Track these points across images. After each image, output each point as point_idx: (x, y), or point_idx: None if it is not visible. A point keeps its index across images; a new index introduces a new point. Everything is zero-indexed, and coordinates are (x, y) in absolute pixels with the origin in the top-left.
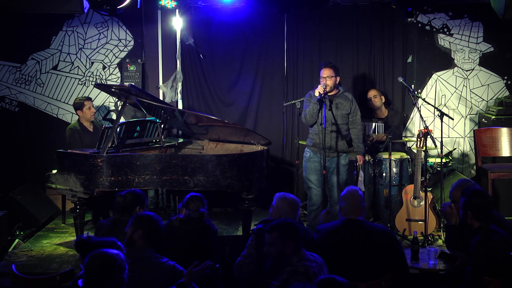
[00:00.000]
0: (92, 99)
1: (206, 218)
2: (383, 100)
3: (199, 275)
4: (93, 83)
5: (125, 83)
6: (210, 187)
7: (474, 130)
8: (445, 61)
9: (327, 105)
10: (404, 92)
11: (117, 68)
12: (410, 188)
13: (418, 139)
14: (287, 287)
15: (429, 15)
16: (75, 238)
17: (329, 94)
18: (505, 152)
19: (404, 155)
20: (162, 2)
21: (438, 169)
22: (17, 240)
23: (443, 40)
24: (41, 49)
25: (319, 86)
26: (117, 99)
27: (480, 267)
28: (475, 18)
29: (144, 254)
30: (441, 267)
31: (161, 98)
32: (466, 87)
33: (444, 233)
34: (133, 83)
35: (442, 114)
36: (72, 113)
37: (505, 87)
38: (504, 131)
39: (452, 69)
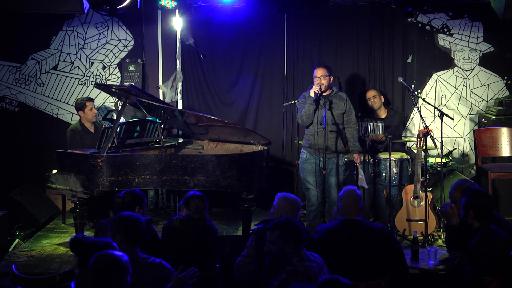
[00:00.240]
0: (94, 99)
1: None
2: (383, 100)
3: (183, 282)
4: (93, 83)
5: (125, 83)
6: (210, 187)
7: (474, 130)
8: (445, 61)
9: (327, 104)
10: (404, 92)
11: (117, 68)
12: (410, 188)
13: (418, 139)
14: (287, 287)
15: (429, 15)
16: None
17: (323, 94)
18: (505, 152)
19: (404, 155)
20: (162, 2)
21: (438, 169)
22: (17, 240)
23: (443, 40)
24: (41, 49)
25: (314, 86)
26: (117, 99)
27: (480, 267)
28: (475, 18)
29: (129, 255)
30: (441, 267)
31: (161, 98)
32: (466, 87)
33: (444, 233)
34: (133, 83)
35: (442, 114)
36: (72, 113)
37: (505, 87)
38: (504, 131)
39: (452, 69)
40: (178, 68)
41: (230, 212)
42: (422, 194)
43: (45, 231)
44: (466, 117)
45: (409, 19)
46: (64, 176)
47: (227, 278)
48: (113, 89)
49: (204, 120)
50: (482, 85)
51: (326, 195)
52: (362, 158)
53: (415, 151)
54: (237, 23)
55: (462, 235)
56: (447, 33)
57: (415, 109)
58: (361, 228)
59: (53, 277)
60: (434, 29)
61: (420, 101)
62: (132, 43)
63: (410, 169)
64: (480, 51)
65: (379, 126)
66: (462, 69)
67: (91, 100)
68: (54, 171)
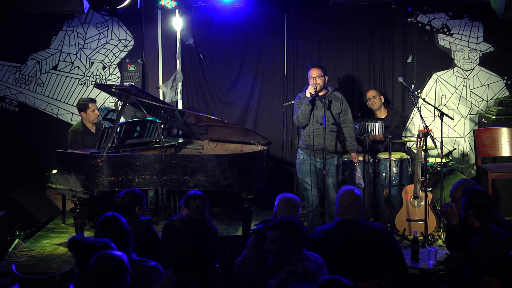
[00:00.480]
0: (96, 100)
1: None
2: (383, 100)
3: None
4: (93, 83)
5: (125, 83)
6: (210, 187)
7: (474, 130)
8: (445, 61)
9: (327, 104)
10: (404, 92)
11: (117, 68)
12: (410, 188)
13: (418, 139)
14: (285, 286)
15: (429, 15)
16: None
17: (319, 94)
18: (505, 152)
19: (404, 155)
20: (162, 2)
21: (438, 169)
22: (17, 240)
23: (443, 40)
24: (41, 49)
25: (309, 87)
26: (117, 99)
27: (480, 267)
28: (475, 18)
29: None
30: (440, 267)
31: (161, 98)
32: (466, 87)
33: (444, 233)
34: (133, 83)
35: (442, 114)
36: (72, 113)
37: (505, 87)
38: (504, 131)
39: (452, 69)
40: (178, 68)
41: (230, 212)
42: (422, 194)
43: (45, 231)
44: (466, 117)
45: (409, 19)
46: (64, 176)
47: (227, 278)
48: (113, 89)
49: (204, 120)
50: (482, 85)
51: (326, 197)
52: (362, 158)
53: (415, 151)
54: (237, 23)
55: (462, 235)
56: (447, 33)
57: (415, 109)
58: (359, 228)
59: (53, 277)
60: (434, 29)
61: (420, 101)
62: (132, 43)
63: (410, 169)
64: (480, 51)
65: (379, 126)
66: (462, 69)
67: (94, 101)
68: (54, 171)
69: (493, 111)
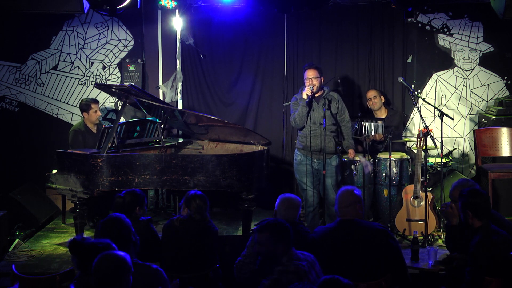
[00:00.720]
0: (99, 101)
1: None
2: (383, 100)
3: None
4: (93, 83)
5: (125, 83)
6: (210, 187)
7: (474, 130)
8: (445, 61)
9: (326, 104)
10: (404, 92)
11: (117, 68)
12: (410, 188)
13: (418, 139)
14: (278, 286)
15: (429, 15)
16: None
17: (315, 95)
18: (505, 152)
19: (404, 155)
20: (162, 2)
21: (438, 169)
22: (17, 240)
23: (443, 40)
24: (41, 49)
25: (306, 88)
26: (117, 99)
27: (480, 267)
28: (475, 18)
29: None
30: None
31: (161, 98)
32: (466, 87)
33: (444, 233)
34: (133, 83)
35: (442, 114)
36: (72, 113)
37: (505, 87)
38: (504, 131)
39: (452, 69)
40: (178, 68)
41: (230, 212)
42: (422, 194)
43: (45, 231)
44: (466, 117)
45: (409, 19)
46: (64, 176)
47: (227, 278)
48: (113, 89)
49: (204, 120)
50: (482, 85)
51: (325, 197)
52: (365, 158)
53: (415, 151)
54: (237, 23)
55: (462, 235)
56: (447, 33)
57: (415, 109)
58: (359, 228)
59: (53, 277)
60: (434, 29)
61: (420, 101)
62: (132, 43)
63: (410, 169)
64: (480, 51)
65: (379, 126)
66: (462, 69)
67: (97, 102)
68: (54, 171)
69: (493, 111)
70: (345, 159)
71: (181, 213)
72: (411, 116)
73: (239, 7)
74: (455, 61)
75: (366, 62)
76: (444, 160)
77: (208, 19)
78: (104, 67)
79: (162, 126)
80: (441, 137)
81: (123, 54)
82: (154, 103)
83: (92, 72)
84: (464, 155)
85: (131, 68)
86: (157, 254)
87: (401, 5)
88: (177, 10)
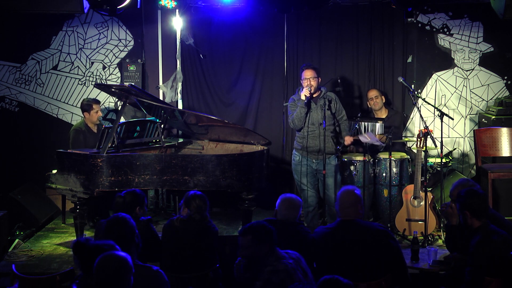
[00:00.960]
0: (100, 101)
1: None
2: (383, 100)
3: None
4: (93, 83)
5: (125, 83)
6: (210, 187)
7: (474, 130)
8: (445, 61)
9: (326, 104)
10: (404, 92)
11: (117, 68)
12: (410, 188)
13: (418, 139)
14: (270, 286)
15: (429, 15)
16: (75, 238)
17: (313, 96)
18: (505, 152)
19: (404, 155)
20: (162, 2)
21: (438, 169)
22: (17, 240)
23: (443, 40)
24: (41, 49)
25: (304, 89)
26: (117, 99)
27: (480, 267)
28: (475, 18)
29: None
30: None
31: (161, 98)
32: (466, 87)
33: (444, 233)
34: (133, 83)
35: (442, 114)
36: (72, 113)
37: (505, 87)
38: (504, 131)
39: (452, 69)
40: (178, 68)
41: (230, 212)
42: (422, 194)
43: (45, 231)
44: (466, 117)
45: (409, 19)
46: (64, 176)
47: (227, 278)
48: (113, 89)
49: (204, 120)
50: (482, 85)
51: (325, 198)
52: (362, 158)
53: (415, 151)
54: (237, 23)
55: (462, 235)
56: (447, 33)
57: (415, 109)
58: (359, 228)
59: (53, 277)
60: (434, 29)
61: (420, 101)
62: (132, 43)
63: (410, 169)
64: (480, 51)
65: (379, 126)
66: (462, 69)
67: (98, 102)
68: (54, 171)
69: (493, 111)
70: (345, 159)
71: (181, 213)
72: (411, 116)
73: (239, 7)
74: (455, 61)
75: (366, 62)
76: (444, 160)
77: (208, 19)
78: (104, 67)
79: (162, 126)
80: (441, 137)
81: (123, 54)
82: (154, 103)
83: (92, 72)
84: (464, 155)
85: (131, 68)
86: (157, 254)
87: (401, 5)
88: (177, 10)
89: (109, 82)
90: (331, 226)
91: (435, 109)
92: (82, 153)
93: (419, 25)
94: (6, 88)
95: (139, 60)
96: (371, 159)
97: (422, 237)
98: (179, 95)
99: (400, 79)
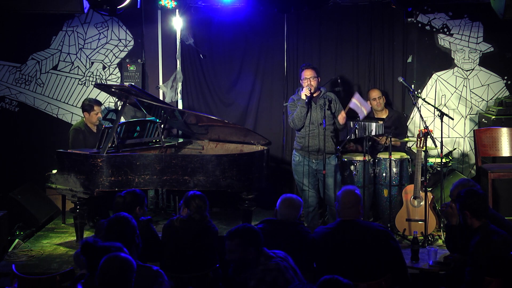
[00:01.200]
0: (102, 103)
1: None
2: (384, 101)
3: None
4: (93, 83)
5: (125, 83)
6: (210, 187)
7: (474, 130)
8: (445, 61)
9: (326, 104)
10: (404, 92)
11: (117, 68)
12: (410, 188)
13: (418, 139)
14: (263, 285)
15: (429, 15)
16: (75, 238)
17: (313, 95)
18: (505, 152)
19: (404, 155)
20: (162, 2)
21: (438, 169)
22: (17, 240)
23: (443, 40)
24: (41, 49)
25: (304, 89)
26: (117, 99)
27: (480, 267)
28: (475, 18)
29: None
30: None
31: (161, 98)
32: (466, 87)
33: (444, 233)
34: (133, 83)
35: (442, 114)
36: (72, 113)
37: (505, 87)
38: (504, 131)
39: (452, 69)
40: (178, 68)
41: (230, 212)
42: (422, 194)
43: (45, 231)
44: (466, 117)
45: (409, 19)
46: (64, 176)
47: (227, 278)
48: (113, 89)
49: (204, 120)
50: (482, 85)
51: (325, 198)
52: (362, 158)
53: (415, 151)
54: (237, 23)
55: (462, 235)
56: (447, 33)
57: (415, 109)
58: (359, 228)
59: (53, 277)
60: (434, 29)
61: (420, 101)
62: (132, 43)
63: (410, 169)
64: (480, 51)
65: (379, 126)
66: (462, 69)
67: (99, 104)
68: (54, 171)
69: (493, 111)
70: (345, 159)
71: (180, 213)
72: (411, 116)
73: (239, 7)
74: (455, 61)
75: (366, 62)
76: (444, 160)
77: (208, 19)
78: (104, 67)
79: (162, 126)
80: (441, 137)
81: (123, 54)
82: (154, 103)
83: (92, 72)
84: (464, 155)
85: (131, 68)
86: (157, 254)
87: (401, 5)
88: (177, 10)
89: (109, 82)
90: (331, 226)
91: (435, 109)
92: (82, 153)
93: (419, 25)
94: (6, 88)
95: (139, 60)
96: (371, 159)
97: (422, 237)
98: (179, 95)
99: (400, 79)
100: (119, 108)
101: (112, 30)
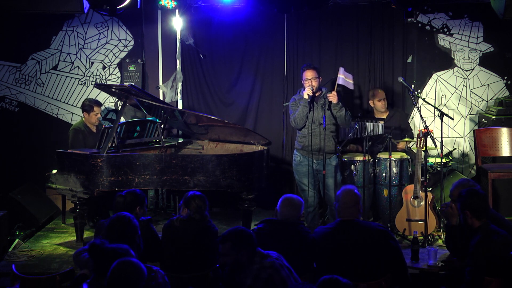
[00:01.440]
0: (102, 103)
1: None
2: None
3: None
4: (93, 83)
5: (125, 83)
6: (210, 187)
7: (474, 130)
8: (445, 61)
9: (327, 104)
10: (404, 92)
11: (117, 68)
12: (410, 188)
13: (418, 139)
14: (260, 282)
15: (429, 15)
16: (75, 238)
17: (315, 95)
18: (505, 152)
19: (404, 155)
20: (162, 2)
21: (438, 169)
22: (17, 240)
23: (443, 40)
24: (41, 49)
25: (306, 88)
26: (117, 99)
27: (480, 267)
28: (475, 18)
29: None
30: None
31: (161, 98)
32: (466, 87)
33: (444, 233)
34: (133, 83)
35: (442, 114)
36: (72, 113)
37: (505, 87)
38: (504, 131)
39: (452, 69)
40: (178, 68)
41: (230, 212)
42: (422, 194)
43: (45, 231)
44: (466, 117)
45: (409, 19)
46: (64, 176)
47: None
48: (113, 89)
49: (204, 120)
50: (482, 85)
51: (326, 198)
52: (362, 158)
53: (415, 151)
54: (237, 23)
55: (462, 235)
56: (447, 33)
57: (415, 109)
58: (359, 228)
59: (53, 277)
60: (434, 29)
61: (420, 101)
62: (132, 43)
63: (410, 169)
64: (480, 51)
65: (379, 126)
66: (462, 69)
67: (100, 105)
68: (54, 171)
69: (493, 111)
70: (345, 159)
71: (180, 213)
72: (411, 116)
73: (239, 7)
74: (455, 61)
75: (366, 62)
76: (444, 160)
77: (208, 19)
78: (104, 67)
79: (162, 126)
80: (441, 137)
81: (123, 54)
82: (154, 103)
83: (92, 72)
84: (464, 155)
85: (131, 68)
86: (157, 254)
87: (401, 5)
88: (177, 10)
89: (109, 82)
90: (331, 226)
91: (435, 109)
92: (82, 153)
93: (419, 25)
94: (6, 88)
95: (139, 60)
96: (371, 159)
97: (422, 237)
98: (179, 95)
99: (400, 79)
100: (119, 108)
101: (112, 30)
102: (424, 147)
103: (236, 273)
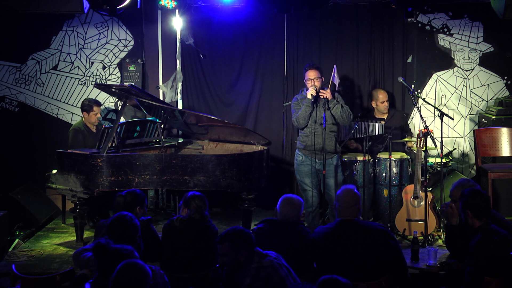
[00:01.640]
0: (101, 103)
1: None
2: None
3: None
4: (93, 83)
5: (125, 83)
6: (210, 187)
7: (474, 130)
8: (445, 61)
9: (326, 104)
10: (404, 92)
11: (117, 68)
12: (410, 188)
13: (418, 139)
14: (259, 281)
15: (429, 15)
16: (75, 238)
17: (318, 94)
18: (505, 152)
19: (404, 155)
20: (162, 2)
21: (438, 169)
22: (17, 240)
23: (443, 40)
24: (41, 49)
25: (310, 88)
26: (117, 99)
27: (480, 267)
28: (475, 18)
29: None
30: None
31: (161, 98)
32: (466, 87)
33: (444, 233)
34: (133, 83)
35: (442, 114)
36: (72, 113)
37: (505, 87)
38: (504, 131)
39: (452, 69)
40: (178, 68)
41: (230, 212)
42: (422, 194)
43: (45, 231)
44: (466, 117)
45: (409, 19)
46: (64, 176)
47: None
48: (113, 89)
49: (204, 120)
50: (482, 85)
51: (326, 198)
52: (362, 158)
53: (415, 151)
54: (237, 23)
55: (462, 235)
56: (447, 33)
57: (415, 109)
58: (359, 228)
59: (53, 277)
60: (434, 29)
61: (420, 101)
62: (132, 43)
63: (410, 169)
64: (480, 51)
65: (379, 126)
66: (462, 69)
67: (99, 105)
68: (54, 171)
69: (493, 111)
70: (345, 159)
71: (180, 213)
72: (411, 116)
73: (239, 7)
74: (455, 61)
75: (366, 62)
76: (444, 160)
77: (208, 19)
78: (104, 67)
79: (162, 126)
80: (441, 137)
81: (123, 54)
82: (154, 103)
83: (92, 72)
84: (464, 155)
85: (131, 68)
86: (157, 254)
87: (401, 5)
88: (177, 10)
89: (109, 82)
90: (331, 226)
91: (435, 109)
92: (82, 153)
93: (419, 25)
94: (6, 88)
95: (139, 60)
96: (371, 159)
97: (422, 237)
98: (179, 95)
99: (400, 79)
100: (119, 108)
101: (112, 30)
102: (424, 147)
103: (235, 273)
